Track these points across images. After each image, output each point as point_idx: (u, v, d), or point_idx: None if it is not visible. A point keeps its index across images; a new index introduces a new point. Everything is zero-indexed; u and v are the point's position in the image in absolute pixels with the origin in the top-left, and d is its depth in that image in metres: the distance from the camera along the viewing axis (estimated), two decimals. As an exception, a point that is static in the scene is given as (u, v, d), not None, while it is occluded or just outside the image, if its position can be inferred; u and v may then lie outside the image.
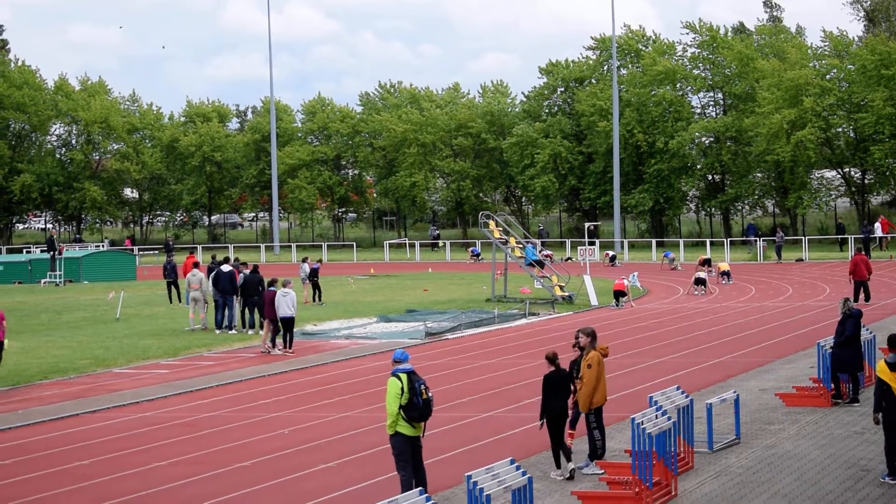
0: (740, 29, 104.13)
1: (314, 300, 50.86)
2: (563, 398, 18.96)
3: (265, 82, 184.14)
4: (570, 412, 19.25)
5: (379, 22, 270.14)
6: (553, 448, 18.94)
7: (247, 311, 40.80)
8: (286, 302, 35.42)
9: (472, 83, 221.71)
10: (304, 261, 52.70)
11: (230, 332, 40.44)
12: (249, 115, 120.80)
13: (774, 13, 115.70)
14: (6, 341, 31.75)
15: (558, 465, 18.89)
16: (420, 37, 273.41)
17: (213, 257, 49.05)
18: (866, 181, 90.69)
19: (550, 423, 18.83)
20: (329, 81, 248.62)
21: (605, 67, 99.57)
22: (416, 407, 16.82)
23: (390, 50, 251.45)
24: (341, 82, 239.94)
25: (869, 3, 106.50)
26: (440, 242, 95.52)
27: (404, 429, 16.87)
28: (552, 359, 19.09)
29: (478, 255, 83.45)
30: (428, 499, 13.55)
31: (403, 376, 16.90)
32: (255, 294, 39.90)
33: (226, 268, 41.56)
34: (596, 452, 19.19)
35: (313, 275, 51.53)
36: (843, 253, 74.56)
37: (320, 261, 57.99)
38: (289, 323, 35.71)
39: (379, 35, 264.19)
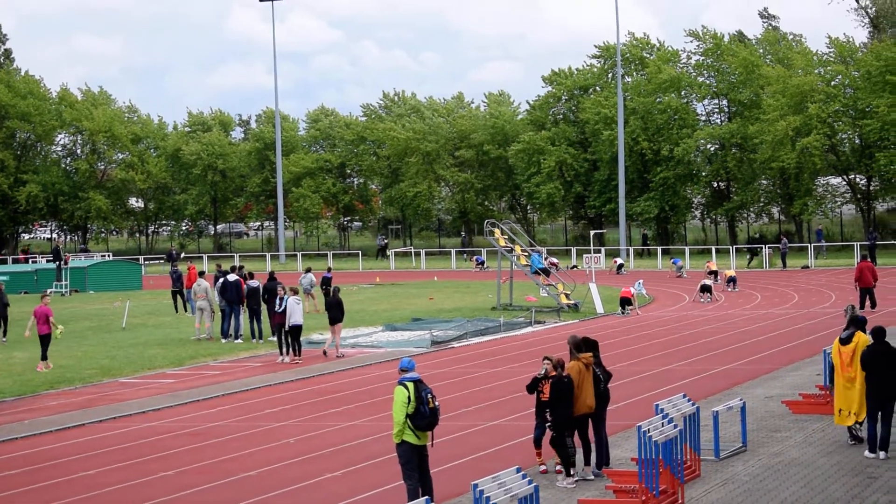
0: (740, 38, 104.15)
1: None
2: (567, 404, 18.96)
3: (267, 92, 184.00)
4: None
5: (381, 31, 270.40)
6: (561, 455, 19.00)
7: (254, 320, 40.78)
8: (299, 310, 35.73)
9: (475, 92, 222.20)
10: (307, 271, 52.67)
11: (237, 341, 40.45)
12: (252, 124, 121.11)
13: (772, 23, 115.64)
14: (58, 330, 34.87)
15: (568, 474, 18.91)
16: (422, 45, 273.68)
17: (219, 266, 49.06)
18: (872, 188, 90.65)
19: (557, 429, 18.88)
20: (331, 90, 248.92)
21: (610, 75, 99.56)
22: (423, 416, 16.77)
23: (393, 59, 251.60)
24: (344, 91, 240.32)
25: (874, 9, 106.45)
26: (388, 252, 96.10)
27: (410, 437, 16.82)
28: (557, 364, 19.13)
29: (483, 263, 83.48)
30: (434, 508, 13.53)
31: (410, 385, 16.84)
32: (259, 304, 40.07)
33: (232, 277, 41.60)
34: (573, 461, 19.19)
35: (326, 283, 51.79)
36: (850, 259, 74.39)
37: (329, 269, 57.86)
38: (298, 331, 35.88)
39: (381, 44, 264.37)
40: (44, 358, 34.66)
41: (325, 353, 36.83)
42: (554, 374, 19.12)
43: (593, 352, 19.94)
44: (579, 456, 19.42)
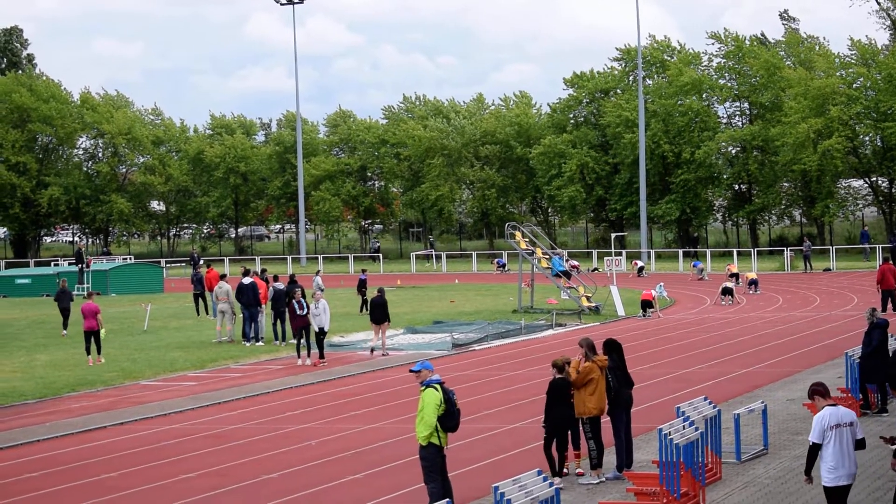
0: (761, 40, 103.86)
1: (361, 311, 50.99)
2: (566, 405, 19.04)
3: (287, 95, 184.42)
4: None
5: (399, 34, 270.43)
6: (558, 453, 19.13)
7: (278, 322, 40.85)
8: (327, 313, 36.16)
9: (495, 94, 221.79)
10: (316, 273, 52.88)
11: (258, 343, 40.51)
12: (273, 128, 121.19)
13: (792, 26, 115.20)
14: (103, 330, 36.74)
15: (560, 473, 19.07)
16: (440, 48, 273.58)
17: (245, 269, 49.35)
18: (893, 190, 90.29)
19: (556, 428, 18.99)
20: (351, 94, 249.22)
21: (631, 78, 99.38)
22: (453, 416, 16.78)
23: (411, 62, 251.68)
24: (364, 94, 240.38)
25: (895, 11, 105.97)
26: (379, 255, 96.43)
27: (436, 440, 16.82)
28: (559, 366, 19.19)
29: (504, 266, 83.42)
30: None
31: (439, 387, 16.84)
32: (285, 306, 40.17)
33: (246, 280, 41.63)
34: (591, 462, 19.20)
35: (362, 285, 52.11)
36: (871, 262, 74.12)
37: (364, 270, 57.37)
38: (324, 334, 36.19)
39: (400, 47, 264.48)
40: (90, 352, 36.17)
41: (372, 351, 37.80)
42: (559, 376, 19.21)
43: (617, 354, 19.92)
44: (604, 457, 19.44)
